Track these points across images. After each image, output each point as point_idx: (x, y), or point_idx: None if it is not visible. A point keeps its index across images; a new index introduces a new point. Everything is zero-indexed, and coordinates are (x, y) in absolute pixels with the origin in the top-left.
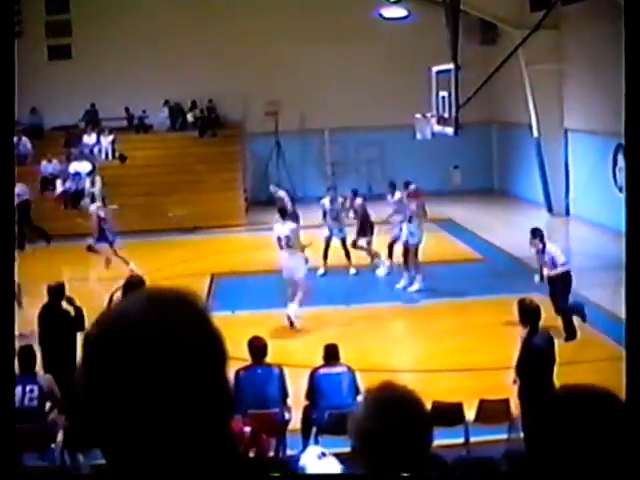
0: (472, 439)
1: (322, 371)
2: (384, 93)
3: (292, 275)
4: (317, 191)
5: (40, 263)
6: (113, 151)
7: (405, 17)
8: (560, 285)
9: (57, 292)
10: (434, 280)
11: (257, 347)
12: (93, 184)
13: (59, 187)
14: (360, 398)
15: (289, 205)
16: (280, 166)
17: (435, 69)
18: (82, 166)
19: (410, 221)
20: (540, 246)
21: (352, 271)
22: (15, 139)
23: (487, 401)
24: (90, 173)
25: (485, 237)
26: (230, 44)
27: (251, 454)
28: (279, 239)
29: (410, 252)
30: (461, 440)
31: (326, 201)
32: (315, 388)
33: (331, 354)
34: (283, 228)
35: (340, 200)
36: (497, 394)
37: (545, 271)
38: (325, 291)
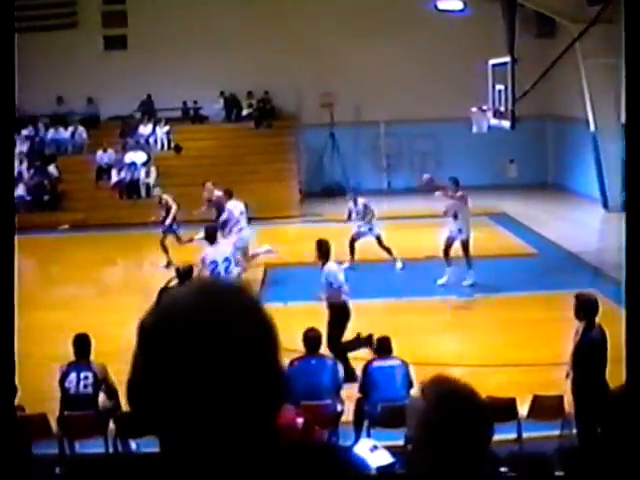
0: (524, 435)
1: (376, 364)
2: (440, 85)
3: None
4: (371, 184)
5: (101, 251)
6: (168, 142)
7: (461, 10)
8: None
9: (186, 275)
10: (487, 274)
11: (312, 338)
12: (148, 174)
13: (114, 177)
14: (414, 391)
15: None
16: (334, 158)
17: (491, 62)
18: (137, 156)
19: (456, 217)
20: None
21: (399, 265)
22: (71, 129)
23: (541, 397)
24: (145, 163)
25: (539, 232)
26: (285, 36)
27: None
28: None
29: (461, 248)
30: (513, 436)
31: (350, 203)
32: (368, 380)
33: (384, 347)
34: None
35: (361, 200)
36: (548, 390)
37: None
38: (376, 284)
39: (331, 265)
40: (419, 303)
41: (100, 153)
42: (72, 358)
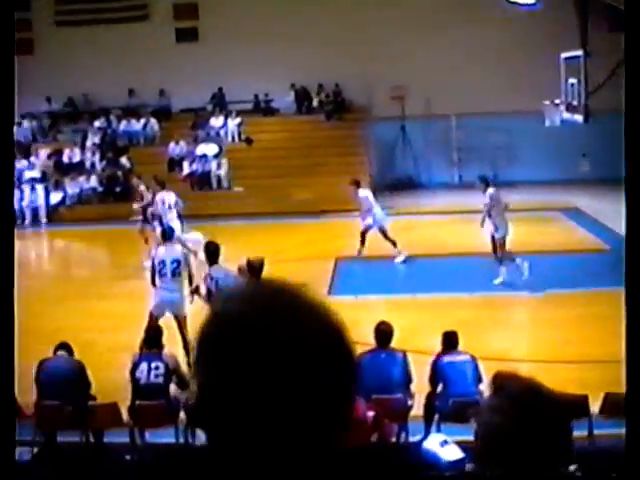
0: (596, 432)
1: (446, 359)
2: (511, 79)
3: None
4: (442, 177)
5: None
6: (239, 134)
7: (533, 4)
8: None
9: (261, 267)
10: (558, 269)
11: (384, 332)
12: (219, 166)
13: (186, 169)
14: (483, 387)
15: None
16: (405, 151)
17: (564, 55)
18: (209, 148)
19: (490, 215)
20: None
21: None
22: (143, 121)
23: (613, 394)
24: (217, 155)
25: (611, 227)
26: (356, 29)
27: (373, 439)
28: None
29: (497, 245)
30: (585, 433)
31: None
32: (439, 375)
33: (451, 341)
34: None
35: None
36: (618, 388)
37: None
38: (445, 278)
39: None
40: (488, 298)
41: (172, 145)
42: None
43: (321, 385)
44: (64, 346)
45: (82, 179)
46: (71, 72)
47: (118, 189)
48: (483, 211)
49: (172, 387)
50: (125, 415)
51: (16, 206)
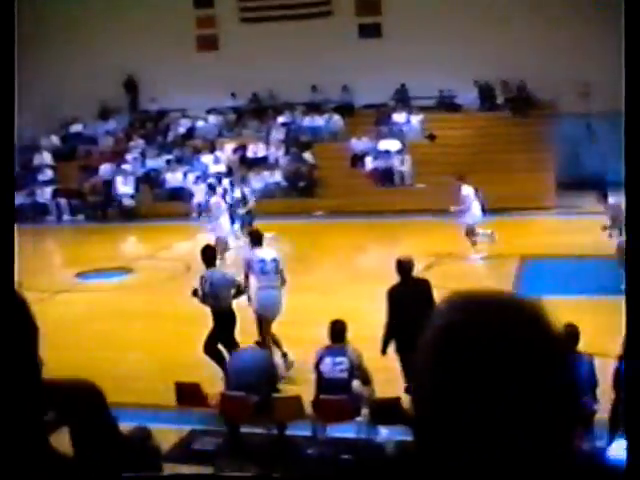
0: None
1: None
2: None
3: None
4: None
5: (355, 237)
6: (422, 130)
7: None
8: None
9: (410, 267)
10: None
11: (569, 335)
12: (402, 162)
13: (369, 164)
14: None
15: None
16: (592, 149)
17: None
18: (391, 144)
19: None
20: None
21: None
22: (326, 116)
23: None
24: (399, 151)
25: None
26: (540, 24)
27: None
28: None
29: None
30: None
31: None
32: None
33: None
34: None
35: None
36: None
37: None
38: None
39: (216, 272)
40: None
41: (354, 140)
42: (327, 342)
43: (550, 387)
44: (258, 343)
45: (266, 174)
46: (255, 68)
47: (302, 184)
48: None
49: (355, 382)
50: (308, 408)
51: (201, 200)
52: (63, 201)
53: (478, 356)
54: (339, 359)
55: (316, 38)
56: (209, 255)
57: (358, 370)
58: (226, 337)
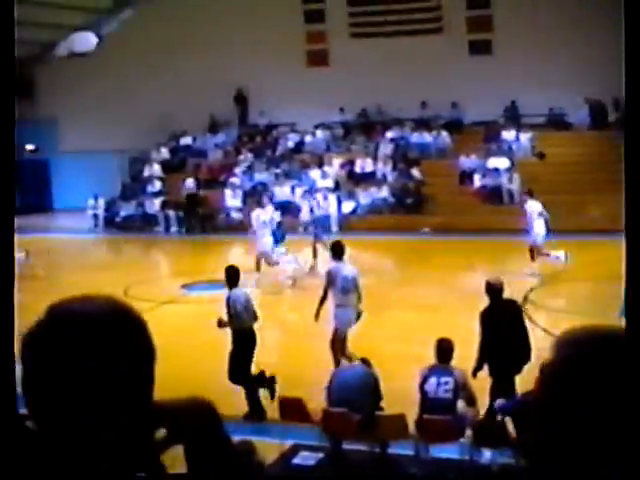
0: None
1: None
2: None
3: None
4: None
5: (462, 255)
6: (532, 148)
7: None
8: None
9: (500, 290)
10: None
11: None
12: (511, 180)
13: (477, 182)
14: None
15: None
16: None
17: None
18: (500, 162)
19: None
20: None
21: None
22: (434, 133)
23: None
24: (508, 169)
25: None
26: None
27: None
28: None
29: None
30: None
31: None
32: None
33: None
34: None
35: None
36: None
37: None
38: None
39: (237, 291)
40: None
41: (463, 158)
42: (432, 361)
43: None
44: (363, 360)
45: (374, 189)
46: (364, 83)
47: (409, 200)
48: None
49: (459, 403)
50: (412, 427)
51: (308, 215)
52: (172, 213)
53: (598, 394)
54: (444, 379)
55: (426, 54)
56: (232, 275)
57: (463, 390)
58: (245, 359)
